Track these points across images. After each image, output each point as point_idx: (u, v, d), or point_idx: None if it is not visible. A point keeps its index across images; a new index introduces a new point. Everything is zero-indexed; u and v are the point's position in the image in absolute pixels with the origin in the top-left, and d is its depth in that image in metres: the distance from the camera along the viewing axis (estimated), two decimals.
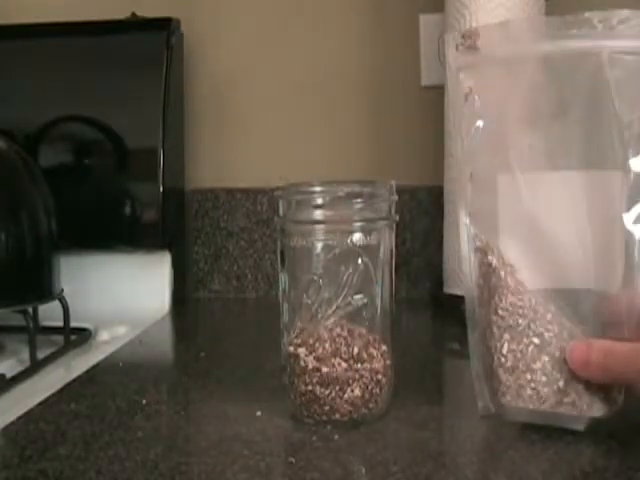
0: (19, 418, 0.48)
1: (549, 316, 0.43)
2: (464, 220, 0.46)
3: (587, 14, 0.41)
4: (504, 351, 0.43)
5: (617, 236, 0.42)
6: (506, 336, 0.43)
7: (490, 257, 0.44)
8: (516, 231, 0.44)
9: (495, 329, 0.43)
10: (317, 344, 0.45)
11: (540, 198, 0.43)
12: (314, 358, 0.45)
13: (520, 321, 0.43)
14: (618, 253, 0.42)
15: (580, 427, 0.43)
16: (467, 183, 0.46)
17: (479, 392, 0.46)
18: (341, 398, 0.45)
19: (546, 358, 0.42)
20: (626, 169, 0.41)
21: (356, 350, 0.45)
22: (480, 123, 0.45)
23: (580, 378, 0.42)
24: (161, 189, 0.81)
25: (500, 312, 0.43)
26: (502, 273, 0.44)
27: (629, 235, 0.41)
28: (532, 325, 0.43)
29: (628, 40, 0.41)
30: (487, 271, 0.44)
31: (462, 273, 0.47)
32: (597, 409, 0.43)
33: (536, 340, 0.43)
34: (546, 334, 0.43)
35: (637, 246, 0.41)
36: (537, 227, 0.43)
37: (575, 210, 0.43)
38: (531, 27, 0.44)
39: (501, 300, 0.43)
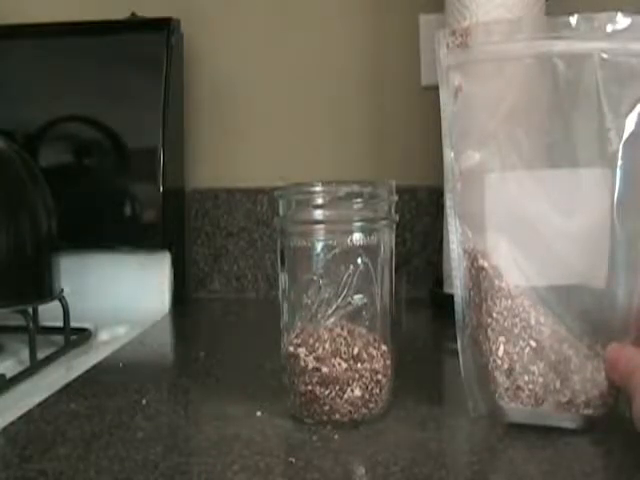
0: (19, 418, 0.48)
1: (542, 319, 0.43)
2: (453, 221, 0.46)
3: (579, 16, 0.41)
4: (500, 354, 0.43)
5: (603, 234, 0.42)
6: (501, 339, 0.43)
7: (481, 261, 0.44)
8: (504, 230, 0.44)
9: (490, 332, 0.44)
10: (317, 344, 0.45)
11: (528, 196, 0.44)
12: (314, 358, 0.45)
13: (515, 324, 0.43)
14: (604, 250, 0.42)
15: (575, 426, 0.43)
16: (456, 183, 0.46)
17: (469, 393, 0.46)
18: (341, 398, 0.45)
19: (542, 360, 0.43)
20: (613, 168, 0.42)
21: (356, 350, 0.45)
22: (469, 121, 0.45)
23: (579, 377, 0.42)
24: (161, 189, 0.81)
25: (495, 315, 0.43)
26: (495, 277, 0.44)
27: (614, 232, 0.42)
28: (527, 328, 0.43)
29: (619, 42, 0.41)
30: (478, 274, 0.44)
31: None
32: (593, 407, 0.43)
33: (532, 343, 0.43)
34: (541, 337, 0.43)
35: (622, 243, 0.42)
36: (525, 225, 0.44)
37: (563, 208, 0.43)
38: (523, 27, 0.44)
39: (495, 304, 0.43)
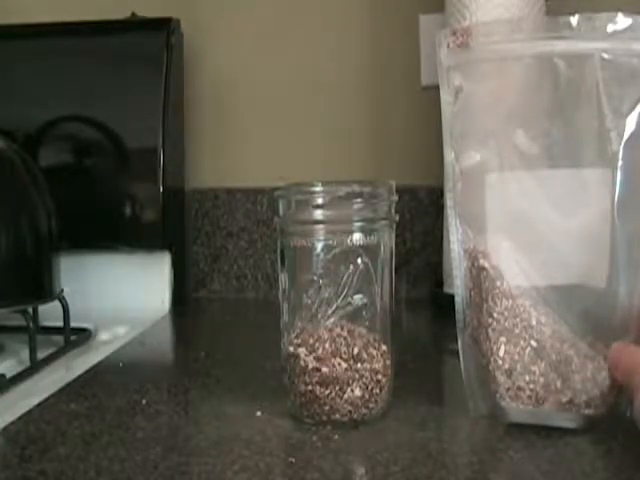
0: (19, 418, 0.48)
1: (543, 319, 0.43)
2: (453, 221, 0.46)
3: (580, 16, 0.41)
4: (501, 354, 0.43)
5: (603, 233, 0.42)
6: (502, 339, 0.43)
7: (482, 261, 0.44)
8: (505, 230, 0.44)
9: (490, 332, 0.44)
10: (317, 344, 0.45)
11: (528, 196, 0.44)
12: (314, 358, 0.45)
13: (516, 324, 0.43)
14: (604, 250, 0.42)
15: (576, 425, 0.43)
16: (457, 183, 0.46)
17: (470, 393, 0.46)
18: (341, 398, 0.45)
19: (543, 360, 0.43)
20: (613, 168, 0.42)
21: (356, 350, 0.45)
22: (469, 121, 0.45)
23: (579, 377, 0.42)
24: (161, 189, 0.81)
25: (495, 315, 0.43)
26: (495, 277, 0.44)
27: (615, 232, 0.42)
28: (528, 328, 0.43)
29: (619, 42, 0.41)
30: (478, 274, 0.44)
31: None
32: (593, 407, 0.43)
33: (533, 343, 0.43)
34: (542, 337, 0.43)
35: (622, 243, 0.42)
36: (526, 225, 0.44)
37: (563, 208, 0.43)
38: (524, 27, 0.45)
39: (496, 304, 0.43)
